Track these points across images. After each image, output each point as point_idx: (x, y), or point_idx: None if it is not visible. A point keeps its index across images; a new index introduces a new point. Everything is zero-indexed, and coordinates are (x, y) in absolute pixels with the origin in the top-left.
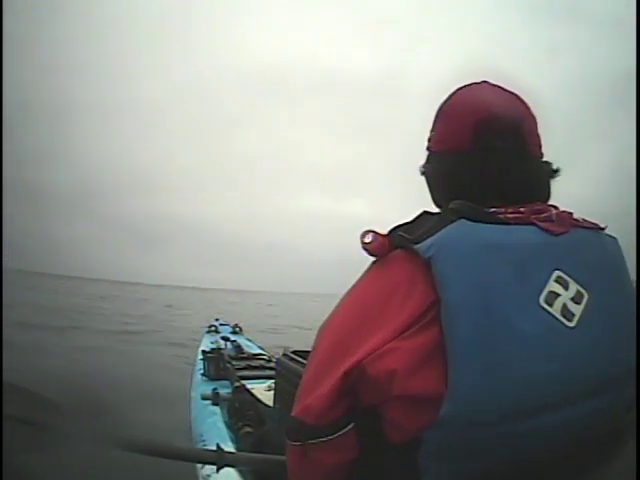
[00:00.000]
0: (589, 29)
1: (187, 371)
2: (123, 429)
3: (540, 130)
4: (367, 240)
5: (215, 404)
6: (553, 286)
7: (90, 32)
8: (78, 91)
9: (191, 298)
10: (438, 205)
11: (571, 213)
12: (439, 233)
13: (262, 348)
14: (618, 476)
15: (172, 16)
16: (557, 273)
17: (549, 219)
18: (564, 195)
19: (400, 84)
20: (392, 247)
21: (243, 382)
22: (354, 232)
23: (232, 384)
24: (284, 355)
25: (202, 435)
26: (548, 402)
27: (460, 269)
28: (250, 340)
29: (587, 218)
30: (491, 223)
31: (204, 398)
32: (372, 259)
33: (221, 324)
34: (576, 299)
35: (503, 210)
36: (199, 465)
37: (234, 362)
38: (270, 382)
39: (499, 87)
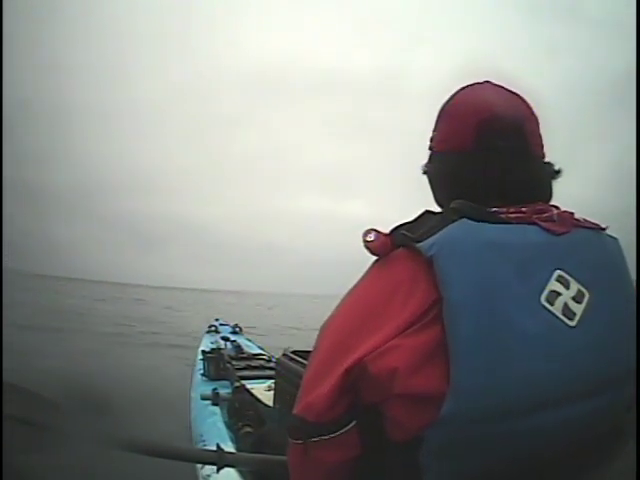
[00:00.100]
0: (589, 29)
1: (186, 372)
2: (123, 429)
3: (542, 130)
4: (369, 239)
5: (215, 404)
6: (554, 285)
7: (90, 33)
8: (77, 91)
9: (190, 299)
10: (440, 205)
11: (572, 213)
12: (441, 232)
13: (262, 348)
14: (618, 476)
15: (171, 16)
16: (558, 272)
17: (551, 219)
18: (564, 195)
19: (400, 84)
20: (394, 246)
21: (243, 382)
22: (353, 233)
23: (232, 384)
24: (284, 355)
25: (202, 435)
26: (549, 400)
27: (462, 268)
28: (250, 340)
29: (587, 218)
30: (493, 222)
31: (204, 398)
32: (372, 259)
33: (221, 324)
34: (577, 298)
35: (505, 210)
36: (199, 465)
37: (234, 362)
38: (270, 382)
39: (501, 87)
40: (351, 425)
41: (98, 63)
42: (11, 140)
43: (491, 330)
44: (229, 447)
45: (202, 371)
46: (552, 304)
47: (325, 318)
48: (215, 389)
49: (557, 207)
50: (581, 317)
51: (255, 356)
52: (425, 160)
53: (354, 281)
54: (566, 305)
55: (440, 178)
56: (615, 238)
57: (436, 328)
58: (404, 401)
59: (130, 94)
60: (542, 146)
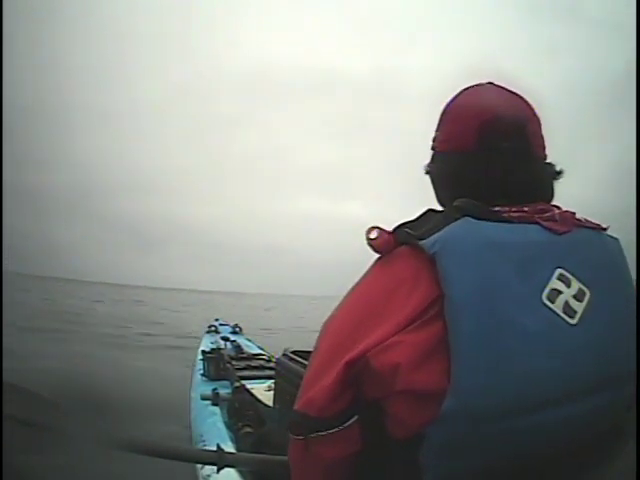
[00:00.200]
0: (589, 29)
1: (185, 374)
2: (123, 430)
3: (543, 131)
4: (373, 236)
5: (215, 404)
6: (555, 283)
7: (90, 33)
8: (77, 92)
9: (189, 301)
10: (442, 204)
11: (574, 213)
12: (443, 230)
13: (262, 348)
14: (618, 475)
15: (171, 16)
16: (559, 271)
17: (552, 218)
18: (564, 195)
19: (399, 85)
20: (397, 244)
21: (243, 382)
22: (352, 234)
23: (232, 384)
24: (284, 355)
25: (202, 435)
26: (550, 398)
27: (464, 265)
28: (250, 340)
29: (588, 218)
30: (495, 221)
31: (204, 398)
32: (371, 260)
33: (221, 324)
34: (578, 297)
35: (507, 209)
36: (199, 465)
37: (234, 362)
38: (270, 382)
39: (504, 88)
40: (353, 420)
41: (98, 63)
42: (10, 141)
43: (492, 327)
44: (229, 447)
45: (202, 371)
46: (553, 302)
47: (324, 319)
48: (215, 389)
49: (558, 207)
50: (582, 315)
51: (255, 356)
52: (426, 160)
53: (353, 282)
54: (567, 303)
55: (442, 178)
56: (616, 238)
57: (438, 325)
58: (406, 397)
59: (130, 94)
60: (544, 147)
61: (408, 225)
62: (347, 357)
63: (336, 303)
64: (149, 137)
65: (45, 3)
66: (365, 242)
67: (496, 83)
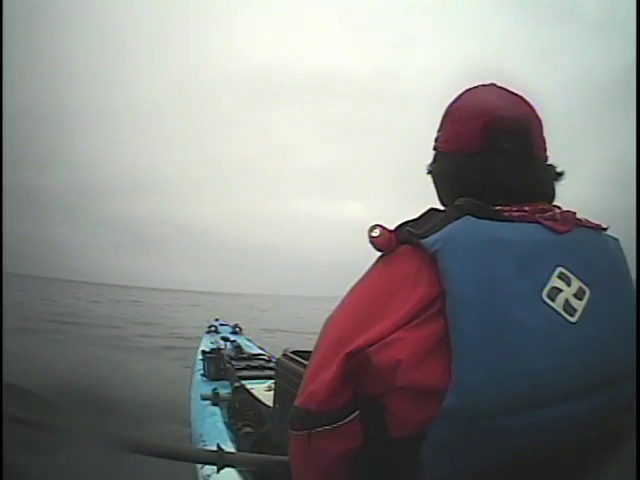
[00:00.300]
0: (589, 29)
1: (185, 374)
2: (123, 429)
3: (545, 132)
4: (375, 234)
5: (215, 404)
6: (556, 282)
7: (89, 34)
8: (77, 92)
9: (188, 301)
10: (444, 204)
11: (575, 213)
12: (445, 229)
13: (262, 348)
14: (618, 475)
15: (171, 17)
16: (560, 269)
17: (553, 218)
18: (564, 195)
19: (399, 85)
20: (399, 242)
21: (243, 382)
22: (351, 235)
23: (232, 384)
24: (284, 355)
25: (202, 435)
26: (550, 396)
27: (465, 264)
28: (250, 340)
29: (588, 218)
30: (496, 220)
31: (204, 398)
32: (370, 261)
33: (221, 324)
34: (578, 295)
35: (508, 208)
36: (199, 465)
37: (234, 362)
38: (270, 382)
39: (506, 89)
40: (354, 415)
41: (98, 63)
42: (10, 142)
43: (493, 325)
44: (229, 447)
45: (202, 371)
46: (553, 300)
47: (323, 320)
48: (215, 389)
49: (559, 207)
50: (582, 314)
51: (255, 356)
52: (427, 161)
53: (352, 283)
54: (567, 301)
55: (445, 178)
56: (616, 238)
57: (439, 322)
58: (406, 394)
59: (130, 95)
60: (545, 148)
61: (410, 224)
62: (347, 350)
63: (336, 304)
64: (149, 138)
65: (45, 3)
66: (365, 242)
67: (498, 84)
